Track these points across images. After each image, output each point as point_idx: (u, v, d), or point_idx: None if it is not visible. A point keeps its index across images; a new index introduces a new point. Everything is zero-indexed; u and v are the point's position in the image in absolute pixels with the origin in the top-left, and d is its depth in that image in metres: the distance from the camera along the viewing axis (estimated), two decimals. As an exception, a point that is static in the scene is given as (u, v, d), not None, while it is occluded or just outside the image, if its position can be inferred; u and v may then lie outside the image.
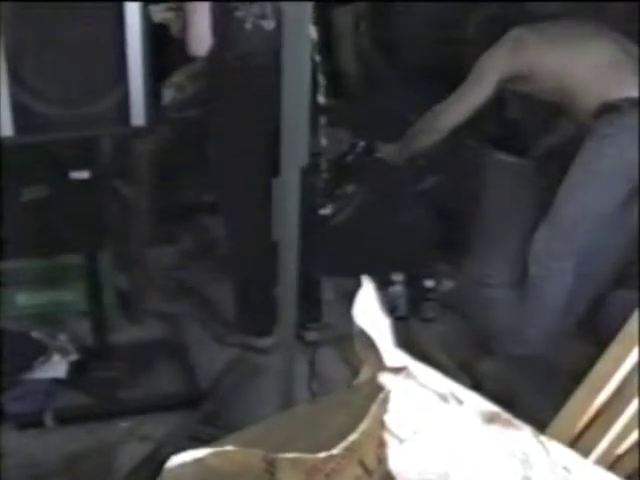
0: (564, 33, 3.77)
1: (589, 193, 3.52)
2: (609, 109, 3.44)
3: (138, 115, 3.03)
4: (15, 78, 2.85)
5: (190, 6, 3.38)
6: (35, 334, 3.85)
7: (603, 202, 3.55)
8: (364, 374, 1.50)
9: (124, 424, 3.50)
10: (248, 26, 3.44)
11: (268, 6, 3.43)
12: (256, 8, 3.43)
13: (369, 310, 1.59)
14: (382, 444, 1.24)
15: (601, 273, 3.98)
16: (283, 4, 2.30)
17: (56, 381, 3.66)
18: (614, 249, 3.93)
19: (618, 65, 3.54)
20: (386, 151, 4.17)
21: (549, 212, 3.64)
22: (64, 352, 3.75)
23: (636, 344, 1.93)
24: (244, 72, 3.48)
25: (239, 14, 3.41)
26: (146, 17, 2.94)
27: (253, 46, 3.46)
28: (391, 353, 1.46)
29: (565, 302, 3.75)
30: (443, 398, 1.42)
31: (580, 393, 2.01)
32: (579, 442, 2.01)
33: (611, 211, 3.56)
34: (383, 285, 4.18)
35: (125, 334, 4.00)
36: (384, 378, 1.37)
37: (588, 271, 3.91)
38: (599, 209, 3.56)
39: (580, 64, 3.58)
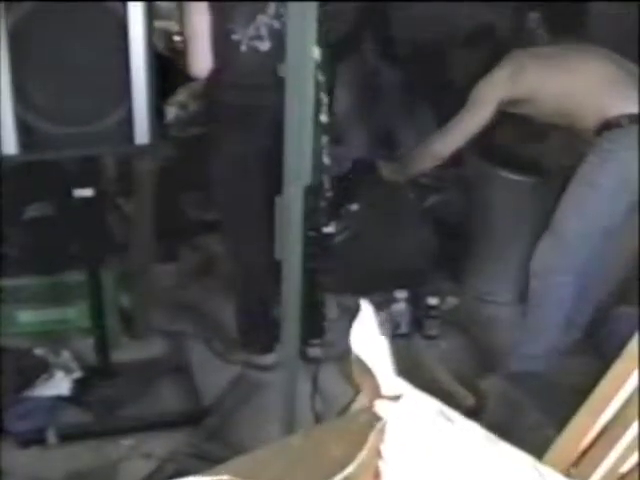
0: (562, 55, 3.78)
1: (591, 208, 3.52)
2: (610, 125, 3.46)
3: (142, 133, 3.03)
4: (19, 96, 2.86)
5: (191, 30, 3.41)
6: (38, 351, 3.85)
7: (605, 217, 3.55)
8: (360, 401, 1.50)
9: (127, 442, 3.50)
10: (243, 48, 3.46)
11: (263, 28, 3.45)
12: (251, 30, 3.45)
13: (368, 334, 1.58)
14: (378, 474, 1.24)
15: (603, 287, 3.99)
16: (287, 26, 2.31)
17: (59, 399, 3.65)
18: (616, 263, 3.94)
19: (617, 82, 3.56)
20: (386, 171, 4.19)
21: (550, 226, 3.64)
22: (67, 369, 3.75)
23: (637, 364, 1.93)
24: (241, 92, 3.49)
25: (235, 37, 3.43)
26: (150, 36, 2.94)
27: (249, 67, 3.48)
28: (389, 380, 1.45)
29: (566, 317, 3.75)
30: (439, 426, 1.41)
31: (583, 413, 2.00)
32: (582, 462, 2.01)
33: (613, 226, 3.57)
34: (386, 302, 4.21)
35: (128, 352, 4.00)
36: (381, 406, 1.37)
37: (589, 285, 3.92)
38: (600, 224, 3.56)
39: (580, 84, 3.60)
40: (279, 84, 2.45)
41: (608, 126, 3.47)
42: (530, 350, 3.71)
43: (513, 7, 4.70)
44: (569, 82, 3.62)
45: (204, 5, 3.39)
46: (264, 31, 3.45)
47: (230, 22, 3.43)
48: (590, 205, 3.53)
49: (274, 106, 2.55)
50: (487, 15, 4.52)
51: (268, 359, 3.91)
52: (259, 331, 3.94)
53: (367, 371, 1.45)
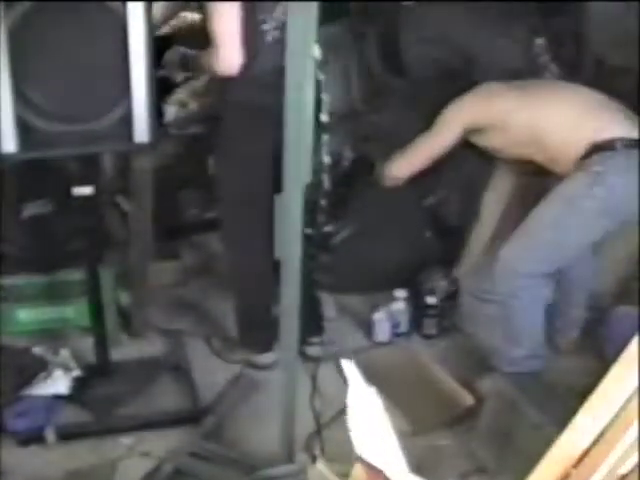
0: (536, 87, 3.79)
1: (570, 227, 3.45)
2: (601, 148, 3.40)
3: (141, 132, 3.03)
4: (19, 95, 2.86)
5: (222, 27, 3.35)
6: (37, 350, 3.86)
7: (583, 236, 3.50)
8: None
9: (126, 440, 3.49)
10: (269, 38, 3.44)
11: (282, 19, 3.38)
12: (273, 21, 3.42)
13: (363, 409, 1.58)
14: None
15: (593, 283, 3.98)
16: (288, 25, 2.31)
17: (58, 397, 3.66)
18: (612, 263, 3.93)
19: (603, 107, 3.54)
20: (377, 172, 4.19)
21: (522, 228, 3.59)
22: (66, 368, 3.75)
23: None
24: (253, 88, 3.46)
25: (265, 27, 3.40)
26: (150, 34, 2.94)
27: (273, 60, 3.43)
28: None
29: (543, 316, 3.71)
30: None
31: (582, 414, 2.00)
32: (582, 463, 2.01)
33: (590, 244, 3.54)
34: (385, 302, 4.21)
35: (127, 350, 4.00)
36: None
37: (580, 286, 3.91)
38: (578, 241, 3.52)
39: (556, 112, 3.55)
40: None
41: (599, 149, 3.41)
42: (513, 353, 3.68)
43: (518, 33, 4.68)
44: (543, 108, 3.58)
45: (235, 4, 3.33)
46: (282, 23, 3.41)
47: (261, 12, 3.39)
48: (567, 223, 3.45)
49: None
50: (493, 40, 4.51)
51: (267, 358, 3.91)
52: (258, 330, 3.93)
53: (371, 467, 1.44)
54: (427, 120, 3.89)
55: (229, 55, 3.38)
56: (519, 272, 3.55)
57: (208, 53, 3.42)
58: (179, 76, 3.90)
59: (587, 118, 3.51)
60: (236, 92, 3.54)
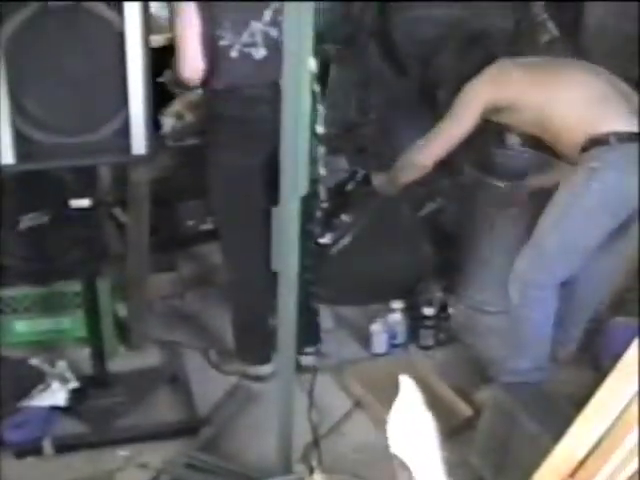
0: (548, 67, 3.76)
1: (573, 227, 3.47)
2: (597, 142, 3.41)
3: (138, 144, 3.04)
4: (16, 106, 2.86)
5: (180, 32, 3.38)
6: (34, 361, 3.85)
7: (587, 236, 3.50)
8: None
9: (123, 452, 3.49)
10: (234, 55, 3.43)
11: (258, 35, 3.42)
12: (245, 37, 3.42)
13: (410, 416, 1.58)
14: None
15: (597, 300, 3.98)
16: (284, 35, 2.31)
17: (55, 409, 3.65)
18: (612, 275, 3.93)
19: (606, 99, 3.51)
20: (376, 182, 4.17)
21: (530, 240, 3.62)
22: (63, 380, 3.75)
23: (635, 374, 1.93)
24: (238, 102, 3.49)
25: (223, 43, 3.40)
26: (147, 46, 2.95)
27: (242, 74, 3.44)
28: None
29: (556, 330, 3.73)
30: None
31: (579, 424, 2.01)
32: (578, 472, 2.01)
33: (593, 245, 3.53)
34: (382, 313, 4.22)
35: (124, 362, 4.00)
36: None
37: (583, 297, 3.91)
38: (580, 242, 3.52)
39: (564, 98, 3.55)
40: (278, 95, 2.44)
41: (595, 143, 3.42)
42: (518, 365, 3.68)
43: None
44: (553, 94, 3.57)
45: (193, 8, 3.35)
46: (259, 38, 3.42)
47: (218, 28, 3.38)
48: (571, 222, 3.47)
49: (273, 117, 2.53)
50: (494, 7, 4.53)
51: (264, 370, 3.91)
52: (255, 341, 3.93)
53: (405, 467, 1.45)
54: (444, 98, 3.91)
55: (191, 60, 3.41)
56: (531, 282, 3.57)
57: (175, 60, 3.46)
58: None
59: (589, 109, 3.50)
60: (217, 105, 3.56)
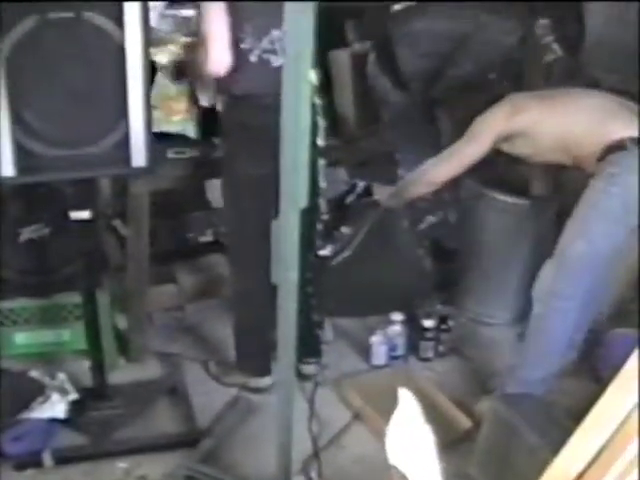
0: (561, 94, 3.85)
1: (596, 233, 3.49)
2: (613, 149, 3.46)
3: (138, 156, 3.05)
4: (17, 119, 2.87)
5: (209, 27, 3.42)
6: (34, 374, 3.85)
7: (609, 242, 3.51)
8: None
9: (122, 464, 3.49)
10: (253, 59, 3.46)
11: (278, 44, 3.44)
12: (265, 43, 3.45)
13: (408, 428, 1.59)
14: None
15: (597, 309, 3.98)
16: (285, 50, 2.32)
17: (54, 421, 3.65)
18: (613, 286, 3.93)
19: (618, 110, 3.59)
20: (381, 195, 4.20)
21: (555, 252, 3.63)
22: (63, 392, 3.74)
23: (635, 386, 1.93)
24: (252, 110, 3.50)
25: (244, 46, 3.44)
26: (147, 59, 2.96)
27: (259, 79, 3.45)
28: None
29: (567, 341, 3.74)
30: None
31: (578, 436, 2.01)
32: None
33: (616, 250, 3.55)
34: (382, 325, 4.22)
35: (124, 374, 4.00)
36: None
37: (590, 308, 3.92)
38: (605, 248, 3.53)
39: (580, 117, 3.63)
40: None
41: (612, 150, 3.47)
42: (530, 375, 3.67)
43: (522, 14, 4.71)
44: (568, 114, 3.66)
45: (222, 7, 3.40)
46: (278, 46, 3.44)
47: (240, 30, 3.42)
48: (595, 229, 3.49)
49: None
50: (495, 23, 4.54)
51: (264, 382, 3.91)
52: (256, 353, 3.93)
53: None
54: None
55: (219, 54, 3.43)
56: (555, 293, 3.57)
57: (200, 55, 3.48)
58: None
59: (604, 122, 3.57)
60: (235, 113, 3.57)
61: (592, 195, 3.52)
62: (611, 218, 3.47)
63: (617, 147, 3.47)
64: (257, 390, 3.92)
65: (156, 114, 3.59)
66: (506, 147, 3.85)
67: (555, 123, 3.68)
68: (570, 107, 3.71)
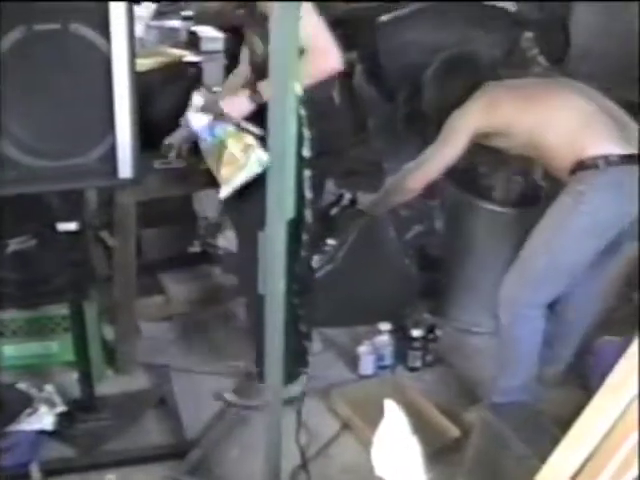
0: (538, 90, 3.79)
1: (562, 248, 3.48)
2: (585, 166, 3.42)
3: (125, 168, 3.04)
4: (3, 131, 2.86)
5: (314, 26, 3.40)
6: (21, 386, 3.83)
7: (575, 258, 3.51)
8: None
9: (110, 476, 3.47)
10: None
11: None
12: None
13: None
14: None
15: (587, 320, 3.99)
16: (269, 61, 2.32)
17: (42, 433, 3.63)
18: (599, 297, 3.93)
19: (594, 121, 3.52)
20: (365, 203, 4.19)
21: (518, 259, 3.63)
22: (50, 404, 3.73)
23: (621, 394, 1.94)
24: None
25: None
26: (133, 70, 2.96)
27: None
28: None
29: (547, 349, 3.74)
30: None
31: (565, 445, 2.01)
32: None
33: (584, 266, 3.55)
34: (370, 335, 4.22)
35: (112, 385, 3.99)
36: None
37: (575, 320, 3.92)
38: (571, 264, 3.53)
39: (554, 123, 3.57)
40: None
41: (582, 167, 3.44)
42: (507, 384, 3.69)
43: (507, 27, 4.73)
44: (543, 118, 3.60)
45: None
46: None
47: None
48: (560, 245, 3.48)
49: None
50: (481, 36, 4.55)
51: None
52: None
53: None
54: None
55: (333, 49, 3.43)
56: (519, 302, 3.58)
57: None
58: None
59: (578, 133, 3.51)
60: None
61: (560, 210, 3.51)
62: (578, 236, 3.46)
63: (590, 165, 3.42)
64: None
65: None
66: (485, 142, 3.82)
67: (529, 120, 3.62)
68: (548, 106, 3.64)
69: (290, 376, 3.62)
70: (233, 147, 3.41)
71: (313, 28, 3.38)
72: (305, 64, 3.38)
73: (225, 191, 3.46)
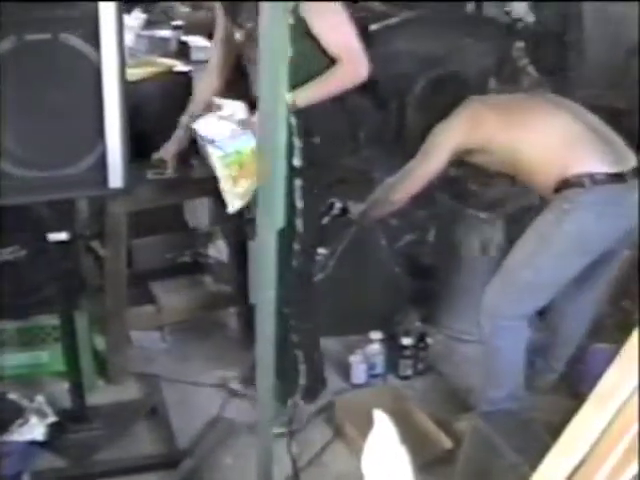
0: (520, 107, 3.76)
1: (544, 265, 3.47)
2: (570, 184, 3.40)
3: (115, 178, 3.04)
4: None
5: (345, 32, 3.42)
6: (12, 396, 3.82)
7: (558, 274, 3.51)
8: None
9: (102, 486, 3.48)
10: None
11: None
12: None
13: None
14: None
15: (580, 330, 3.99)
16: (260, 70, 2.32)
17: (33, 443, 3.62)
18: (591, 306, 3.93)
19: (578, 139, 3.49)
20: (354, 212, 4.19)
21: (501, 269, 3.63)
22: (41, 414, 3.72)
23: (610, 401, 1.94)
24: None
25: None
26: (123, 80, 2.96)
27: None
28: None
29: (523, 358, 3.72)
30: None
31: (555, 453, 2.01)
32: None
33: (568, 280, 3.54)
34: (361, 344, 4.22)
35: (103, 395, 3.98)
36: None
37: (565, 329, 3.93)
38: (553, 280, 3.53)
39: (535, 141, 3.54)
40: None
41: (567, 185, 3.41)
42: (494, 394, 3.68)
43: (497, 36, 4.73)
44: (524, 136, 3.56)
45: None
46: None
47: None
48: (543, 261, 3.47)
49: None
50: (471, 45, 4.56)
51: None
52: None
53: None
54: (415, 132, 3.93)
55: (364, 62, 3.42)
56: (500, 313, 3.57)
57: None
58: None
59: (562, 151, 3.48)
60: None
61: (544, 227, 3.49)
62: (561, 254, 3.45)
63: (574, 184, 3.40)
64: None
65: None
66: (467, 158, 3.81)
67: (510, 138, 3.59)
68: (527, 126, 3.60)
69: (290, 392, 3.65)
70: None
71: (345, 35, 3.39)
72: (335, 73, 3.40)
73: (237, 205, 3.43)
